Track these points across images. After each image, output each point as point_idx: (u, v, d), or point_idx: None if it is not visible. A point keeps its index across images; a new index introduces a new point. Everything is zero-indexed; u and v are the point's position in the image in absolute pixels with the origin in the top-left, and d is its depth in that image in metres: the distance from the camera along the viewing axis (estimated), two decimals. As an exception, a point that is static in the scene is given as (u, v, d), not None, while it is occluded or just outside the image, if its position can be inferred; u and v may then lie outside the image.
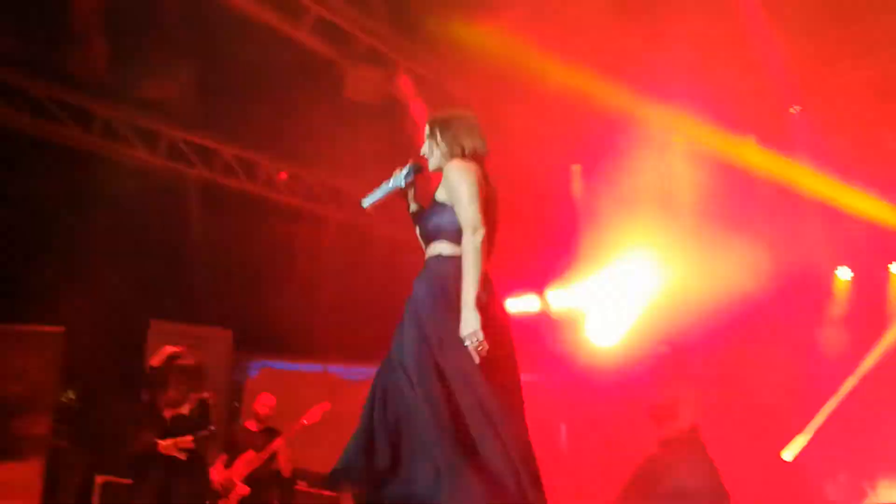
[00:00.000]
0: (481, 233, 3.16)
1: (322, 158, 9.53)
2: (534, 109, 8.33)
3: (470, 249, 3.14)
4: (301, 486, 8.25)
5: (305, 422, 7.39)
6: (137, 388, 6.35)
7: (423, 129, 3.49)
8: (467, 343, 3.04)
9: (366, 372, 9.28)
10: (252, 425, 7.60)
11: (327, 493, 8.10)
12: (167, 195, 9.44)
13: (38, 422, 8.49)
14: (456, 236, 3.25)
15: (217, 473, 7.14)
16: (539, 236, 9.49)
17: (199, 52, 8.36)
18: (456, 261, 3.20)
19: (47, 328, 8.71)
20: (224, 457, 7.33)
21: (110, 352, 8.71)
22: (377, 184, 3.60)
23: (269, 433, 7.47)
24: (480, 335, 3.03)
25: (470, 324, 3.05)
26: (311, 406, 7.49)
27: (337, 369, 10.43)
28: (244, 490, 7.15)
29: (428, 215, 3.40)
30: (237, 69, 8.09)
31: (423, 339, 3.18)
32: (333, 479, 3.22)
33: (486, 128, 3.47)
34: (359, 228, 10.21)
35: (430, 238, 3.38)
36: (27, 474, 8.25)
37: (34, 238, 8.87)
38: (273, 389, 8.06)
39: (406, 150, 9.80)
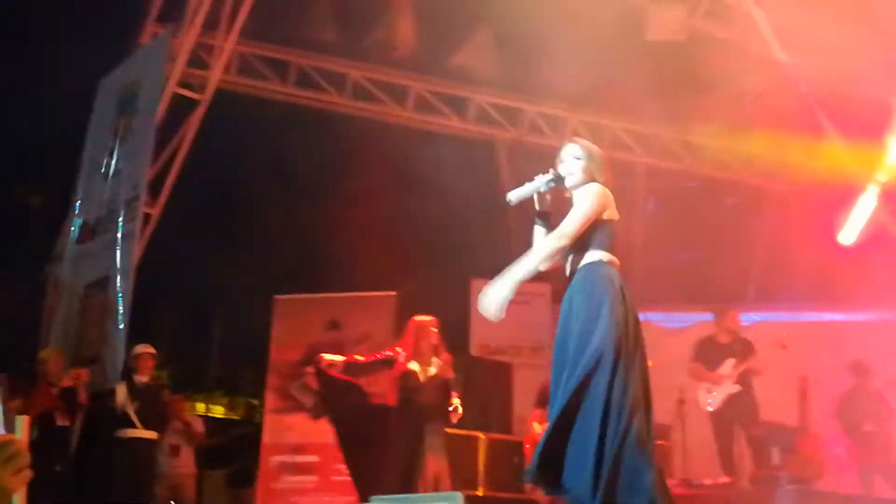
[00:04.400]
0: (563, 243, 3.43)
1: (627, 106, 9.42)
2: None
3: (544, 246, 3.47)
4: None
5: None
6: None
7: (570, 147, 3.66)
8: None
9: (685, 319, 9.14)
10: None
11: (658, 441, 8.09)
12: (479, 159, 9.85)
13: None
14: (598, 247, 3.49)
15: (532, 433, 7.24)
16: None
17: (491, 17, 8.63)
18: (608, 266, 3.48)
19: (382, 293, 9.29)
20: (540, 411, 7.36)
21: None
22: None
23: None
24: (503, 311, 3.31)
25: (501, 293, 3.31)
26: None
27: (656, 317, 10.32)
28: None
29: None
30: (531, 27, 8.19)
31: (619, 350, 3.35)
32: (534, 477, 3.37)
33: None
34: (671, 168, 9.96)
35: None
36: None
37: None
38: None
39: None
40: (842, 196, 9.52)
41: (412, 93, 9.72)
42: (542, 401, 7.15)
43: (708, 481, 7.02)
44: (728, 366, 7.44)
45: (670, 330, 10.04)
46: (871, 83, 8.14)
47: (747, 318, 10.07)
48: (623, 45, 8.37)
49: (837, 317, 10.34)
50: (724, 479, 7.09)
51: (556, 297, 10.28)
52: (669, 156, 10.02)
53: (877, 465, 8.02)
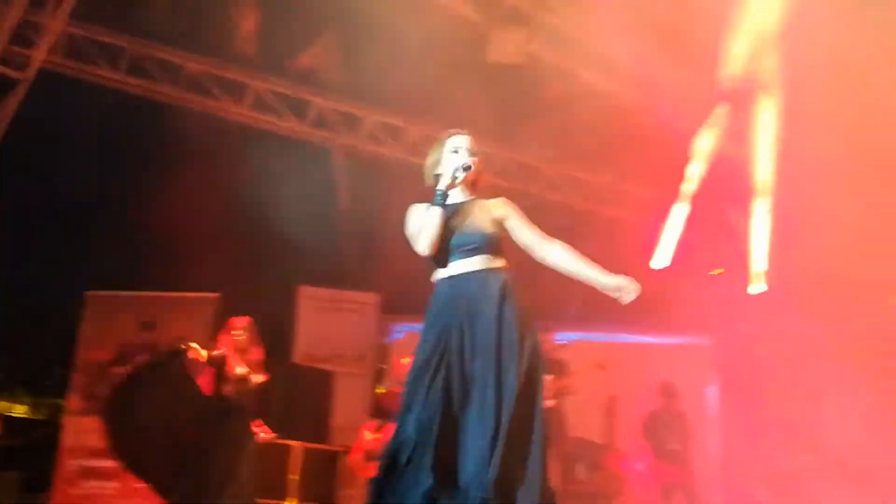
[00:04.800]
0: None
1: (466, 123, 9.53)
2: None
3: (569, 248, 3.58)
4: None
5: None
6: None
7: (464, 138, 3.74)
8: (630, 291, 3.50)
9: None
10: (399, 389, 7.66)
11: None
12: (314, 163, 9.70)
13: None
14: (500, 253, 3.54)
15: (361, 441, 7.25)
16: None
17: (340, 21, 8.54)
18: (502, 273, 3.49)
19: (202, 294, 9.04)
20: (375, 422, 7.46)
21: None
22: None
23: None
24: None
25: (623, 280, 3.48)
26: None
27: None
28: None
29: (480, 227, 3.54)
30: (380, 36, 8.17)
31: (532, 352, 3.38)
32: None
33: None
34: (501, 186, 10.18)
35: (478, 248, 3.50)
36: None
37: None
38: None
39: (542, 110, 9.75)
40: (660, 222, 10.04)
41: (250, 90, 9.46)
42: (379, 412, 7.15)
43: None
44: (546, 382, 7.64)
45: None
46: (685, 115, 8.69)
47: (565, 337, 10.44)
48: (466, 64, 8.50)
49: (647, 339, 10.87)
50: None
51: (385, 307, 10.41)
52: (503, 174, 10.21)
53: (678, 482, 8.46)
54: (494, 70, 8.67)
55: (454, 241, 3.50)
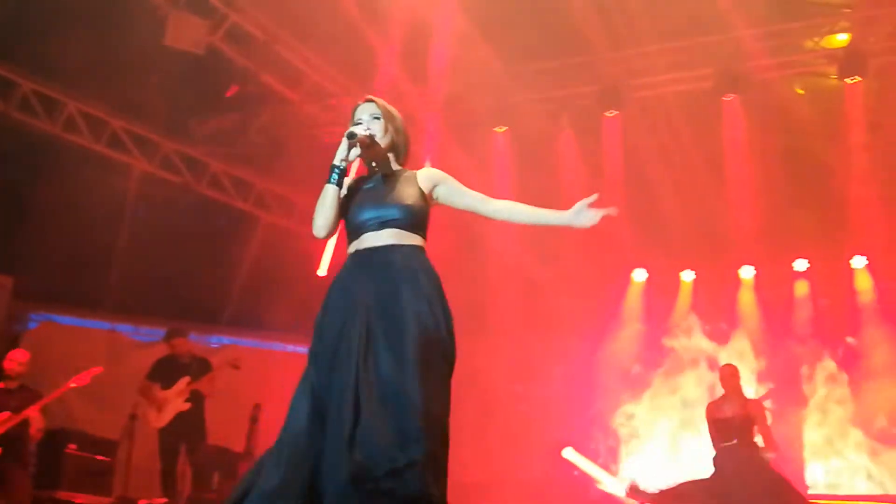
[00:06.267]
0: None
1: (129, 104, 9.02)
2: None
3: (515, 203, 3.35)
4: (71, 448, 7.72)
5: (73, 384, 6.88)
6: None
7: (366, 105, 3.36)
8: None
9: (156, 333, 8.93)
10: (6, 384, 6.91)
11: (99, 457, 7.70)
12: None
13: None
14: (418, 229, 3.24)
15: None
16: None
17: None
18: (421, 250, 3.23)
19: None
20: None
21: None
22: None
23: (26, 393, 6.84)
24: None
25: (577, 206, 3.22)
26: (90, 366, 6.99)
27: (126, 328, 9.91)
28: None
29: (403, 200, 3.24)
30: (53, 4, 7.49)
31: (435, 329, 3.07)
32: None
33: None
34: (169, 180, 9.74)
35: (391, 221, 3.20)
36: None
37: None
38: (53, 345, 7.51)
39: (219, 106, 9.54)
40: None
41: None
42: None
43: (144, 502, 6.86)
44: (182, 384, 7.43)
45: (138, 343, 9.74)
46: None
47: (217, 341, 10.20)
48: (143, 45, 8.02)
49: (304, 349, 10.92)
50: (161, 501, 6.98)
51: (16, 292, 9.40)
52: (169, 166, 9.77)
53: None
54: (175, 58, 8.27)
55: (365, 215, 3.21)
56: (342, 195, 3.25)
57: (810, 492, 9.30)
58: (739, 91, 8.15)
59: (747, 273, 11.00)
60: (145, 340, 9.58)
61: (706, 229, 10.41)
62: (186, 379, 7.46)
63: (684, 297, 11.15)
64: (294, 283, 10.52)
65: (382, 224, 3.18)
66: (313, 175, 9.74)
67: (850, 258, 10.62)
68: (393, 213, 3.19)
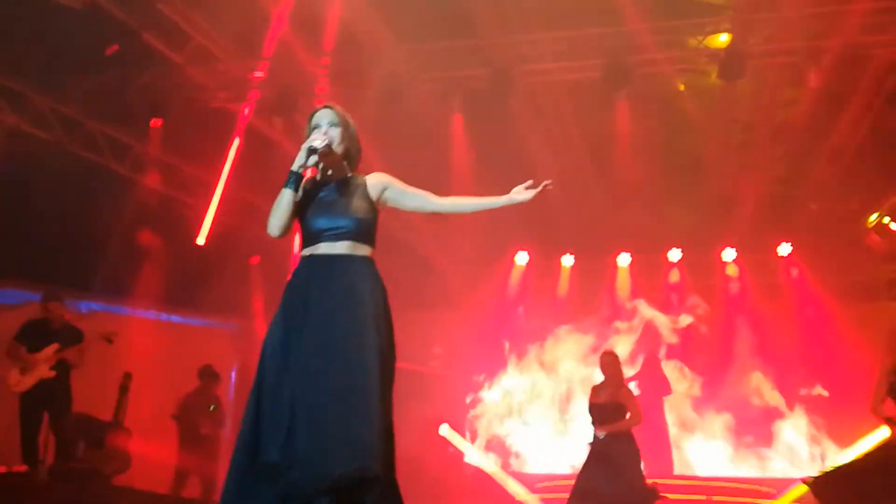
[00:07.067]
0: None
1: (2, 57, 8.49)
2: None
3: (458, 197, 3.57)
4: None
5: None
6: None
7: (324, 111, 3.52)
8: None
9: (21, 296, 8.52)
10: None
11: None
12: None
13: None
14: (369, 239, 3.42)
15: None
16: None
17: None
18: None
19: None
20: None
21: None
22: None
23: None
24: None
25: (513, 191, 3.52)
26: None
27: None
28: None
29: (354, 212, 3.41)
30: None
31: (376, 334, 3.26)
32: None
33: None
34: (40, 137, 9.20)
35: (346, 233, 3.37)
36: None
37: None
38: None
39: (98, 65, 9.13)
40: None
41: None
42: None
43: (2, 469, 6.54)
44: (49, 351, 7.11)
45: (1, 305, 9.25)
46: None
47: (87, 307, 9.80)
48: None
49: (178, 319, 10.67)
50: (21, 468, 6.68)
51: None
52: (41, 124, 9.24)
53: (195, 468, 8.34)
54: (53, 12, 7.82)
55: (322, 223, 3.36)
56: (297, 198, 3.40)
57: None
58: (626, 83, 8.32)
59: (624, 260, 11.41)
60: (10, 303, 9.09)
61: (587, 216, 10.70)
62: (55, 346, 7.14)
63: (564, 281, 11.48)
64: (170, 252, 10.21)
65: (338, 236, 3.36)
66: (196, 140, 9.54)
67: (722, 250, 11.19)
68: (348, 225, 3.36)
